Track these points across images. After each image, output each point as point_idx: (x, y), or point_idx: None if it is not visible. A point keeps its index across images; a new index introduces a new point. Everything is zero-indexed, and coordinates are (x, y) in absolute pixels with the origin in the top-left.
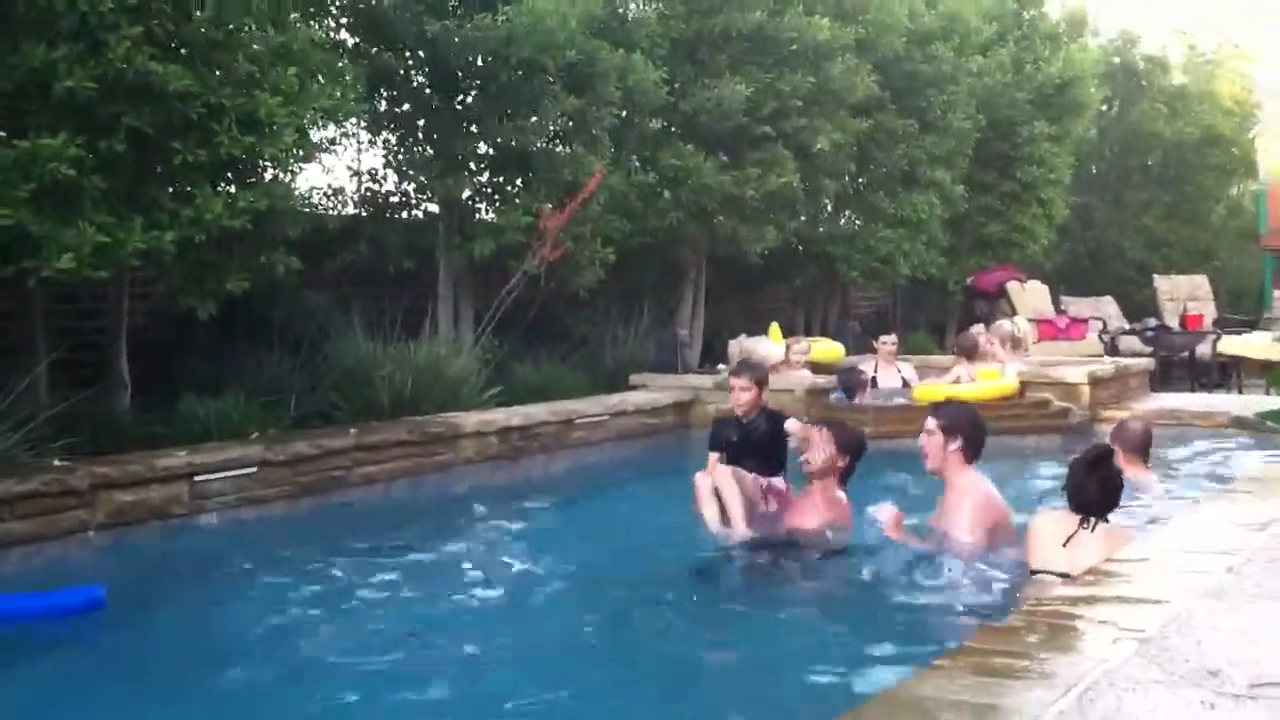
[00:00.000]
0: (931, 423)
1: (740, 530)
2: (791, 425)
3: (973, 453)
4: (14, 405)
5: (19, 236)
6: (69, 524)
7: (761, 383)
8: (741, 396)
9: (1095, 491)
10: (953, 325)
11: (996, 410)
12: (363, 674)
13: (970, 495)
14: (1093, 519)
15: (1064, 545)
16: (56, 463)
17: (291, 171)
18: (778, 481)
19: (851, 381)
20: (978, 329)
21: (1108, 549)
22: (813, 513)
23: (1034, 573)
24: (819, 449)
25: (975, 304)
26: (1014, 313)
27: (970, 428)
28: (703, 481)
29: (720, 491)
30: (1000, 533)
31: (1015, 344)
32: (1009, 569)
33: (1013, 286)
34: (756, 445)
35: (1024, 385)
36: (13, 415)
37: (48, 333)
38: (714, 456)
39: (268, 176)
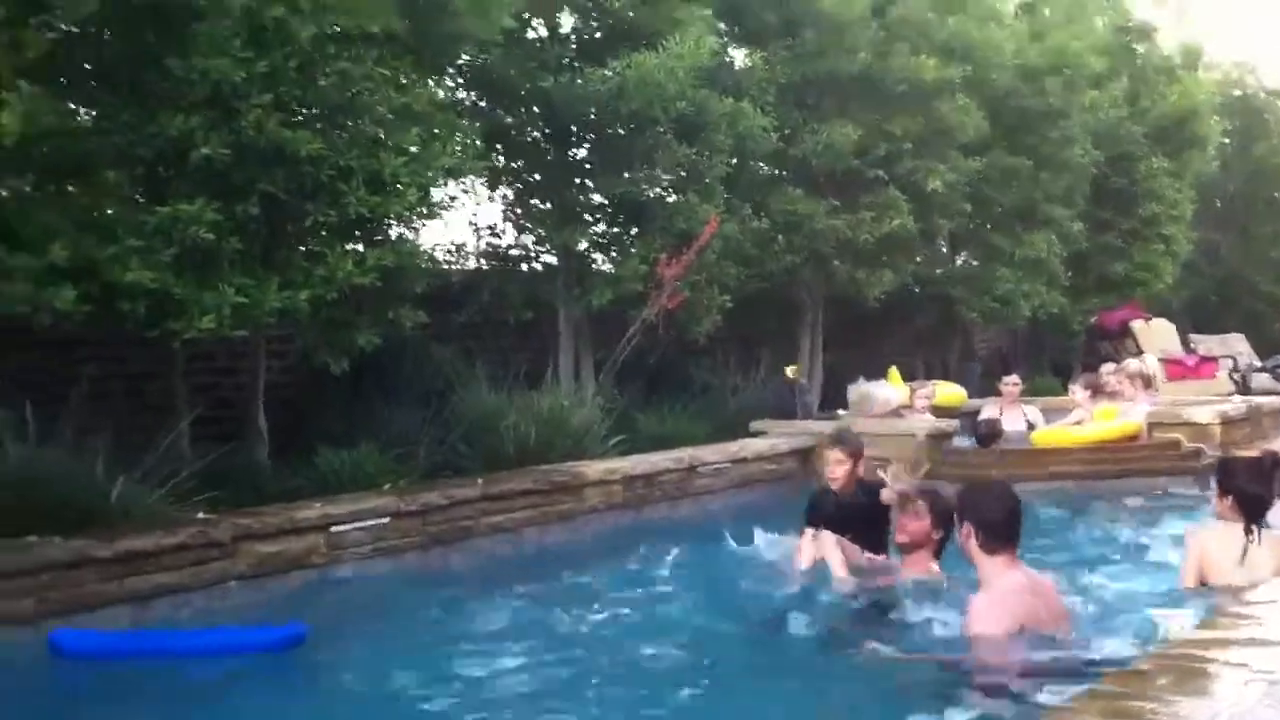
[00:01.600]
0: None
1: (849, 585)
2: (886, 495)
3: (994, 540)
4: (159, 461)
5: (162, 299)
6: (213, 575)
7: (857, 455)
8: (837, 470)
9: (1267, 494)
10: (1077, 365)
11: (1126, 451)
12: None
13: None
14: (1255, 528)
15: (1240, 562)
16: (200, 515)
17: (415, 229)
18: (880, 558)
19: (986, 432)
20: (1108, 368)
21: (1276, 557)
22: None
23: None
24: (913, 520)
25: (1100, 344)
26: (1140, 352)
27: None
28: (808, 543)
29: (827, 557)
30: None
31: (1146, 383)
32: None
33: (1138, 325)
34: (855, 519)
35: (1153, 426)
36: (158, 471)
37: (189, 390)
38: (809, 533)
39: (393, 234)
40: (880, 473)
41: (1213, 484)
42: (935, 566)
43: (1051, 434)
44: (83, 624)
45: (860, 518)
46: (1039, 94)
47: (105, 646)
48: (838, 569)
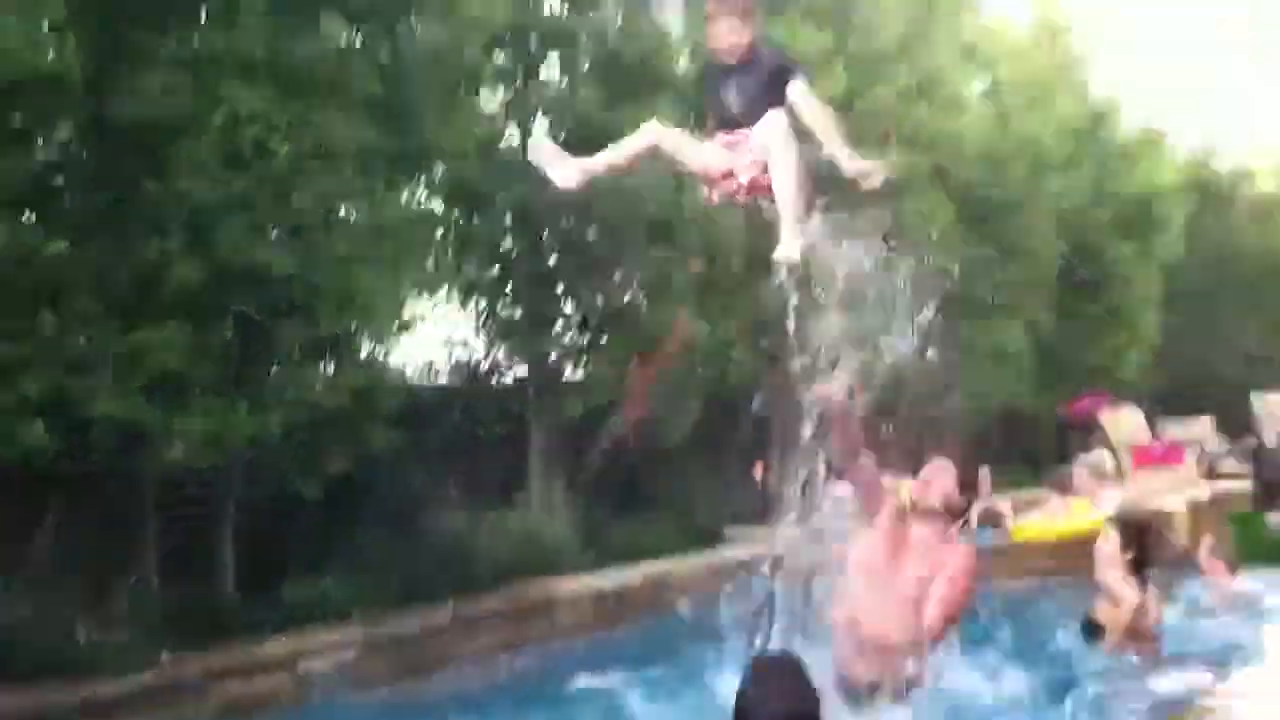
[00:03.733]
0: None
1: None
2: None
3: None
4: (128, 600)
5: (131, 429)
6: (181, 716)
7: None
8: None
9: None
10: (1048, 457)
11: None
12: None
13: None
14: None
15: None
16: (165, 656)
17: (387, 348)
18: None
19: (991, 518)
20: (1089, 458)
21: None
22: None
23: None
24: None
25: (1071, 433)
26: (1108, 442)
27: None
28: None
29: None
30: None
31: (1100, 476)
32: None
33: (1105, 415)
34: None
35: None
36: (126, 610)
37: (158, 521)
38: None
39: (364, 353)
40: None
41: None
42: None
43: (1029, 528)
44: None
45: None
46: (1004, 183)
47: None
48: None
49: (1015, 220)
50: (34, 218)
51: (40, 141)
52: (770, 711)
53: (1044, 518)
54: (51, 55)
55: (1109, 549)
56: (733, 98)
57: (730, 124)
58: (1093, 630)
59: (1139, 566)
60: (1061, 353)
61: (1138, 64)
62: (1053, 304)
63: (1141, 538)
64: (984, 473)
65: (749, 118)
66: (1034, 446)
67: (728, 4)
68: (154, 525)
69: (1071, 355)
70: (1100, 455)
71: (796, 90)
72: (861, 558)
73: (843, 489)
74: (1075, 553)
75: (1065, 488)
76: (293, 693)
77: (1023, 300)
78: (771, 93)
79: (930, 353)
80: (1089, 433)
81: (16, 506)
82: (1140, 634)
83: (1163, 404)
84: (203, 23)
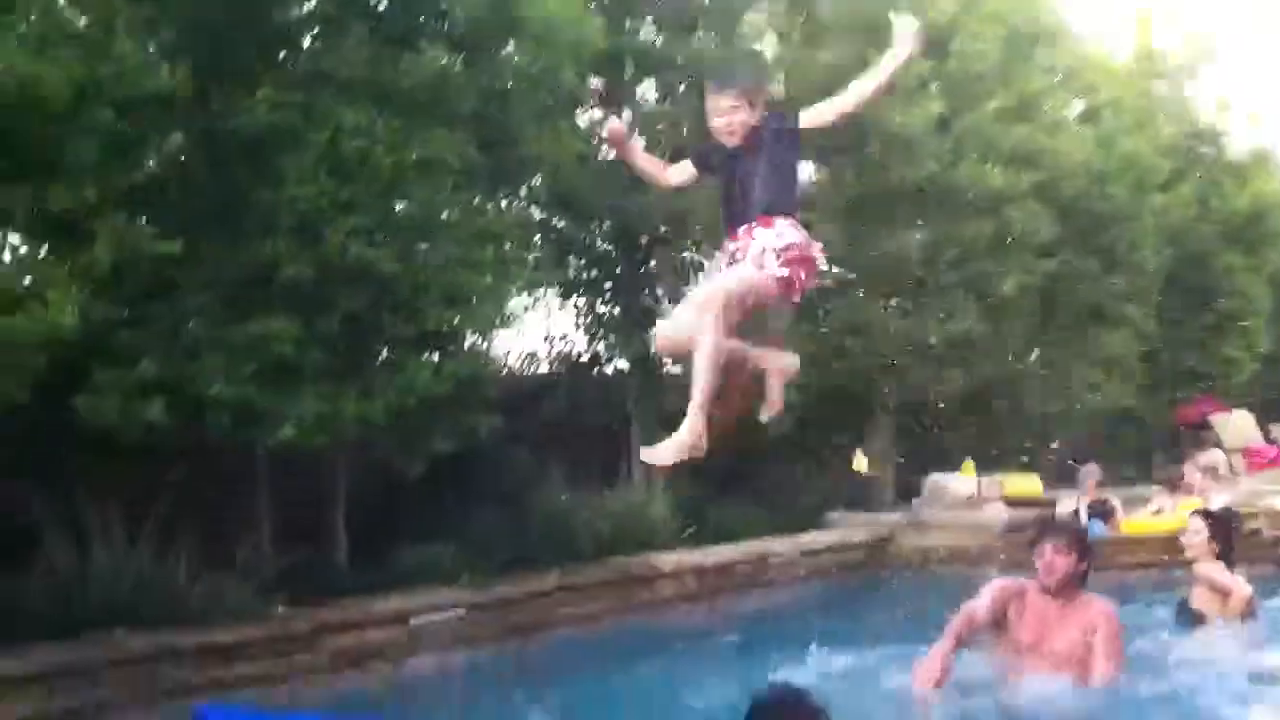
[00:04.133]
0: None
1: None
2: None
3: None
4: (241, 562)
5: (246, 409)
6: (294, 667)
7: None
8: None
9: None
10: (1155, 457)
11: None
12: None
13: None
14: None
15: None
16: (280, 610)
17: (489, 340)
18: None
19: (1102, 512)
20: (1202, 458)
21: None
22: None
23: None
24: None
25: (1180, 436)
26: (1220, 444)
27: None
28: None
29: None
30: None
31: (1215, 475)
32: None
33: (1217, 418)
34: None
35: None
36: (240, 571)
37: (270, 493)
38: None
39: (468, 344)
40: None
41: None
42: None
43: (1135, 523)
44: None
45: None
46: (1107, 198)
47: None
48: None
49: (1119, 233)
50: (146, 220)
51: (153, 151)
52: None
53: (1153, 514)
54: (164, 74)
55: (1198, 540)
56: (739, 187)
57: (738, 218)
58: (1189, 616)
59: (1223, 558)
60: (1170, 359)
61: (1246, 82)
62: (1159, 313)
63: (1227, 531)
64: (1093, 468)
65: (757, 208)
66: (1145, 446)
67: (732, 84)
68: (267, 496)
69: (1180, 362)
70: (1214, 455)
71: (804, 118)
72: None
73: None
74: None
75: (1176, 486)
76: (402, 646)
77: (1127, 309)
78: (781, 179)
79: (1034, 356)
80: (1200, 434)
81: (140, 472)
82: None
83: (1274, 411)
84: (306, 46)
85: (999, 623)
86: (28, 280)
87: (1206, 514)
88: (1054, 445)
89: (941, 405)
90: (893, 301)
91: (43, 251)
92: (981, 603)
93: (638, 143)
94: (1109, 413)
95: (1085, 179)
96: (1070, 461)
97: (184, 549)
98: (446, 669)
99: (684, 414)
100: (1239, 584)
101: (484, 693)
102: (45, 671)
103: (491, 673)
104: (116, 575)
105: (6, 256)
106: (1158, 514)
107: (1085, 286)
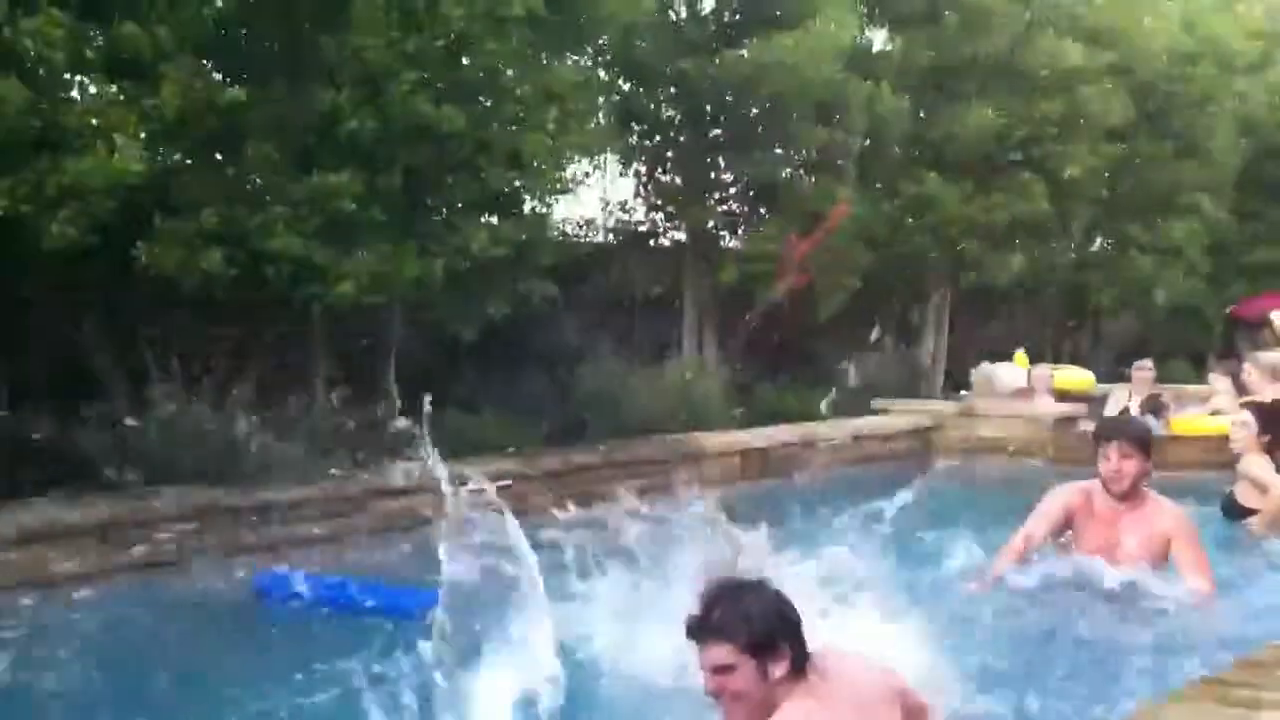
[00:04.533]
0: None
1: None
2: None
3: None
4: (296, 419)
5: (304, 265)
6: (343, 528)
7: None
8: (1124, 467)
9: None
10: (1212, 354)
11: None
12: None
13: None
14: None
15: None
16: (333, 472)
17: (549, 204)
18: None
19: (1155, 407)
20: (1262, 357)
21: None
22: None
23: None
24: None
25: (1237, 333)
26: (1278, 343)
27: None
28: None
29: None
30: None
31: (1275, 375)
32: None
33: (1277, 315)
34: None
35: None
36: (295, 428)
37: (326, 353)
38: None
39: (527, 208)
40: None
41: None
42: None
43: (1189, 422)
44: (219, 568)
45: None
46: (1187, 80)
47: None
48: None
49: (1196, 119)
50: (212, 67)
51: None
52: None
53: (1206, 413)
54: None
55: (1244, 434)
56: None
57: None
58: (1234, 510)
59: (1273, 451)
60: (1238, 253)
61: None
62: (1232, 204)
63: (1277, 423)
64: (1147, 363)
65: None
66: (1200, 345)
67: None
68: (323, 357)
69: (1247, 255)
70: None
71: None
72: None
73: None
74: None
75: (1236, 386)
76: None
77: (1198, 199)
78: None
79: (1097, 244)
80: (1257, 334)
81: (198, 328)
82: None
83: None
84: None
85: (1061, 531)
86: (95, 122)
87: (1257, 406)
88: (1107, 341)
89: (1000, 291)
90: (958, 181)
91: (111, 93)
92: (1039, 520)
93: None
94: (1170, 306)
95: (1165, 59)
96: (1111, 358)
97: (240, 405)
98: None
99: (741, 289)
100: (1277, 482)
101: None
102: (102, 522)
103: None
104: (175, 428)
105: (76, 95)
106: (1214, 414)
107: (1156, 173)
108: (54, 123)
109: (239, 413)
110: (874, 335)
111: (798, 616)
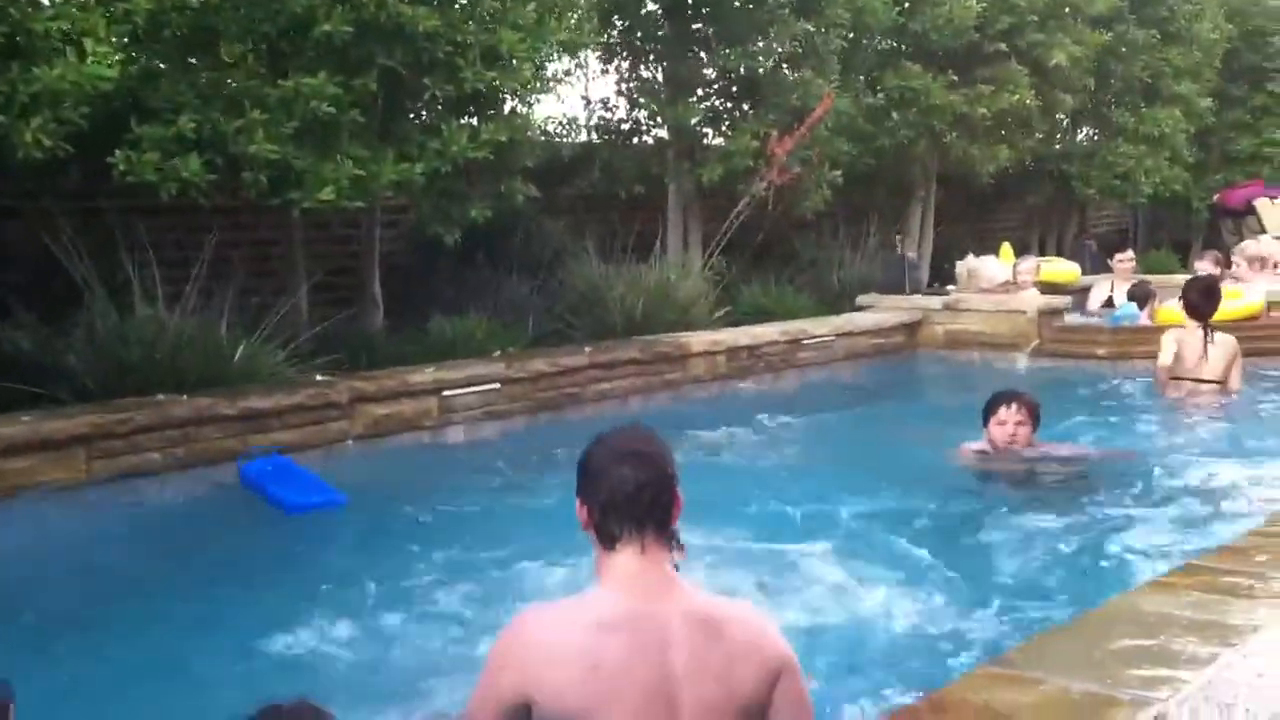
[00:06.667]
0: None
1: None
2: None
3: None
4: (279, 325)
5: (283, 170)
6: (329, 435)
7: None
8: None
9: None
10: (1197, 244)
11: (1243, 331)
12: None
13: None
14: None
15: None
16: (318, 378)
17: (529, 104)
18: None
19: (1140, 294)
20: (1249, 246)
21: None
22: None
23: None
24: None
25: (1221, 222)
26: (1262, 230)
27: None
28: None
29: None
30: None
31: (1262, 264)
32: None
33: (1262, 203)
34: None
35: (1272, 305)
36: (278, 334)
37: (306, 258)
38: None
39: (507, 109)
40: None
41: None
42: None
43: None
44: (203, 477)
45: None
46: None
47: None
48: None
49: (1180, 4)
50: None
51: None
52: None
53: None
54: None
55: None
56: None
57: None
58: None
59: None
60: (1219, 140)
61: None
62: (1215, 91)
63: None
64: (1129, 253)
65: None
66: (1184, 235)
67: None
68: (304, 262)
69: (1230, 143)
70: (1265, 244)
71: None
72: None
73: (983, 261)
74: None
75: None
76: (436, 418)
77: (1182, 85)
78: None
79: (1082, 134)
80: (1241, 222)
81: (179, 236)
82: None
83: None
84: None
85: None
86: (65, 27)
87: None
88: (1093, 233)
89: (990, 178)
90: (942, 71)
91: None
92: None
93: None
94: (1155, 196)
95: None
96: (1095, 250)
97: (222, 312)
98: (476, 441)
99: (725, 188)
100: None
101: (514, 465)
102: (87, 434)
103: (522, 446)
104: (157, 336)
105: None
106: None
107: (1140, 60)
108: (23, 28)
109: (221, 320)
110: (898, 246)
111: (615, 483)
